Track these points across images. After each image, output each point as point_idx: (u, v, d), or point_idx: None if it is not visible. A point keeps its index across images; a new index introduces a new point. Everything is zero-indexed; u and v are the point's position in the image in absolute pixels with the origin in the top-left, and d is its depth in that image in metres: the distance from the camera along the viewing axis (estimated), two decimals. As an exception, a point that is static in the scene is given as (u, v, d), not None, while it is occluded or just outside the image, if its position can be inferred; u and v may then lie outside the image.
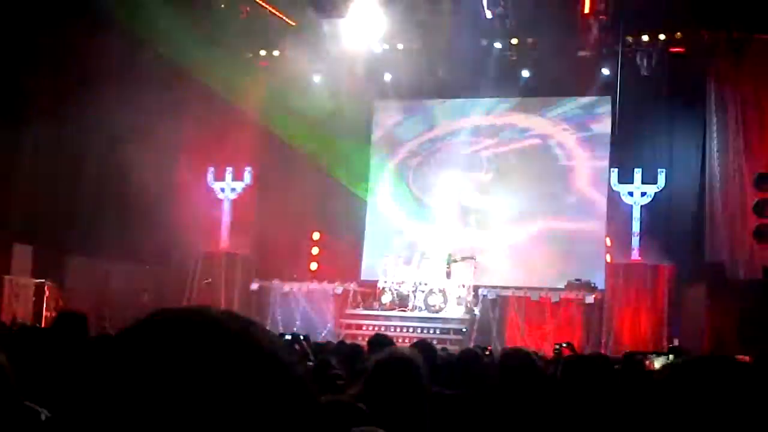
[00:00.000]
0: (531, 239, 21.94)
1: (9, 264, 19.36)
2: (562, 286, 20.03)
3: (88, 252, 19.73)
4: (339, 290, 20.79)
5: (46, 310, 18.91)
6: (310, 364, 7.07)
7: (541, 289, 19.87)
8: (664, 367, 1.66)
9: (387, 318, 19.88)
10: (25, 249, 19.75)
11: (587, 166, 21.86)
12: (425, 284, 20.11)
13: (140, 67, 20.31)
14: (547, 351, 16.11)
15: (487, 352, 10.43)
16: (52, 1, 18.86)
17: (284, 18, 21.72)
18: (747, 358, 14.23)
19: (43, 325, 17.48)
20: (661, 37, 20.21)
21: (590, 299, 19.16)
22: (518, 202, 22.23)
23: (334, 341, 13.94)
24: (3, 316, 17.00)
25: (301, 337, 12.62)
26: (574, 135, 22.08)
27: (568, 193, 21.92)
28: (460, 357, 7.04)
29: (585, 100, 22.04)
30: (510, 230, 22.15)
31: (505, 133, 22.64)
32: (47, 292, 19.31)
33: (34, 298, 19.10)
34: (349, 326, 20.05)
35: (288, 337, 12.05)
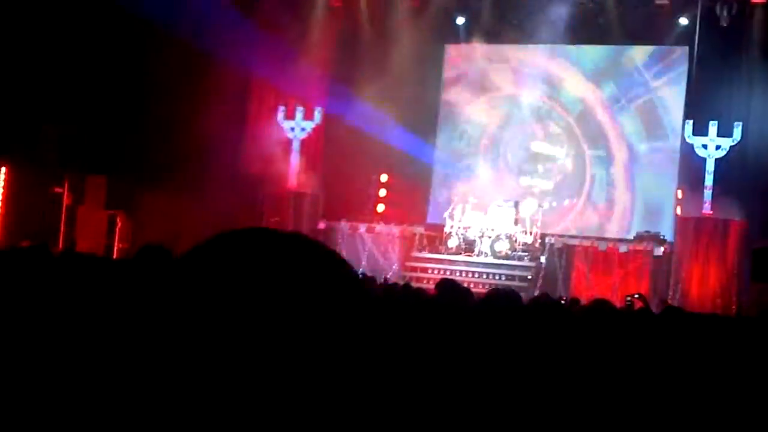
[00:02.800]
0: (600, 189, 21.78)
1: (83, 195, 19.71)
2: (630, 237, 19.90)
3: (159, 185, 19.93)
4: (405, 233, 20.85)
5: (118, 242, 19.24)
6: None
7: (609, 239, 19.78)
8: None
9: (452, 263, 19.90)
10: (98, 180, 20.06)
11: (661, 116, 21.55)
12: (492, 230, 20.05)
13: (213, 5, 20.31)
14: (614, 301, 16.03)
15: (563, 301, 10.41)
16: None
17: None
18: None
19: (114, 257, 17.84)
20: (743, -13, 19.78)
21: (659, 251, 19.00)
22: (587, 150, 22.03)
23: (400, 283, 14.05)
24: (79, 248, 17.33)
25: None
26: (649, 84, 21.71)
27: (639, 142, 21.65)
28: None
29: (662, 48, 21.66)
30: (579, 179, 22.00)
31: (580, 80, 22.34)
32: (119, 224, 19.63)
33: (106, 230, 19.44)
34: (414, 269, 20.12)
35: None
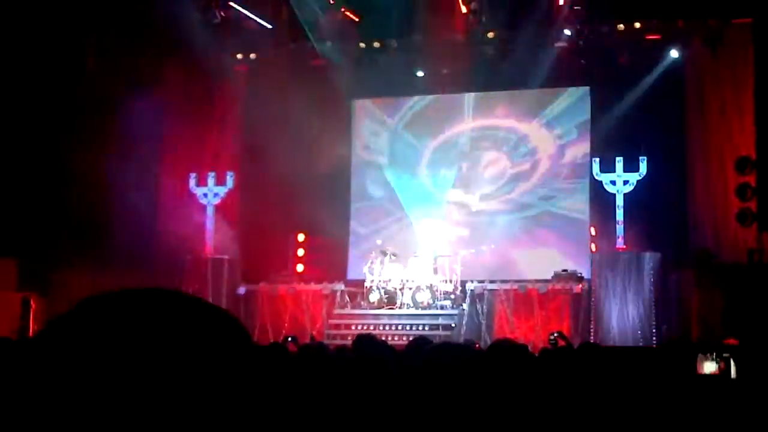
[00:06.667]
0: (517, 232, 21.97)
1: (-8, 280, 19.26)
2: (549, 277, 20.07)
3: (73, 263, 19.58)
4: (326, 291, 20.77)
5: (33, 323, 18.81)
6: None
7: (528, 281, 19.91)
8: None
9: (376, 317, 19.86)
10: (8, 263, 19.63)
11: (569, 156, 21.88)
12: (412, 281, 20.09)
13: (120, 75, 20.23)
14: (537, 342, 16.22)
15: (476, 347, 10.46)
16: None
17: (261, 21, 21.73)
18: (734, 341, 14.33)
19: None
20: (637, 25, 20.32)
21: (577, 289, 19.20)
22: (502, 196, 22.23)
23: (325, 342, 13.98)
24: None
25: (289, 339, 12.71)
26: (554, 126, 22.06)
27: (551, 184, 21.91)
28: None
29: (564, 91, 22.08)
30: (496, 225, 22.17)
31: (485, 128, 22.62)
32: (33, 306, 19.20)
33: (20, 313, 18.98)
34: (338, 326, 20.03)
35: (290, 339, 12.16)
